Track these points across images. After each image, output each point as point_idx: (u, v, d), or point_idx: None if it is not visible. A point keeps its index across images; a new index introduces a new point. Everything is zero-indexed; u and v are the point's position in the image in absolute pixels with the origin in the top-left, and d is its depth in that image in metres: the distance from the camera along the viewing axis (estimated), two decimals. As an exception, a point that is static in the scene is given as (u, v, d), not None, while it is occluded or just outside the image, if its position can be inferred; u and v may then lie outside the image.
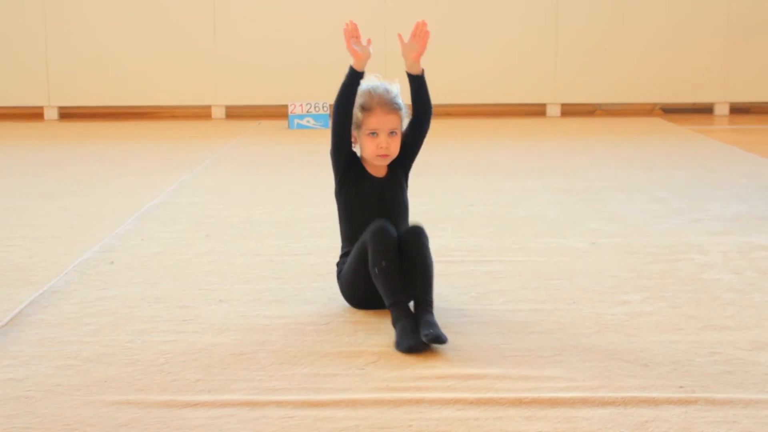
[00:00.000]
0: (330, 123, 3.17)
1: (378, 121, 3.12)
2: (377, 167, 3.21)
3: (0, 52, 9.43)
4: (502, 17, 9.40)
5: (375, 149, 3.14)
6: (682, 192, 5.27)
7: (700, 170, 6.02)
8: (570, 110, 9.63)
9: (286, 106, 8.83)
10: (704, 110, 9.65)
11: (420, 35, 3.20)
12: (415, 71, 3.20)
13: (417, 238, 3.04)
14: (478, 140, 7.77)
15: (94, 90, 9.48)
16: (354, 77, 3.14)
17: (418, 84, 3.20)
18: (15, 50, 9.44)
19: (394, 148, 3.16)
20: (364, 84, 3.17)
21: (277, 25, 9.42)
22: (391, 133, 3.14)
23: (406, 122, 3.21)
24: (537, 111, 9.66)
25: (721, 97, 9.50)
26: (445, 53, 9.37)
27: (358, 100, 3.16)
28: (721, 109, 9.52)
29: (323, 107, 8.58)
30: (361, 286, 3.12)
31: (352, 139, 3.21)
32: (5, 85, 9.51)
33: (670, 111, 9.70)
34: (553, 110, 9.55)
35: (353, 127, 3.18)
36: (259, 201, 5.11)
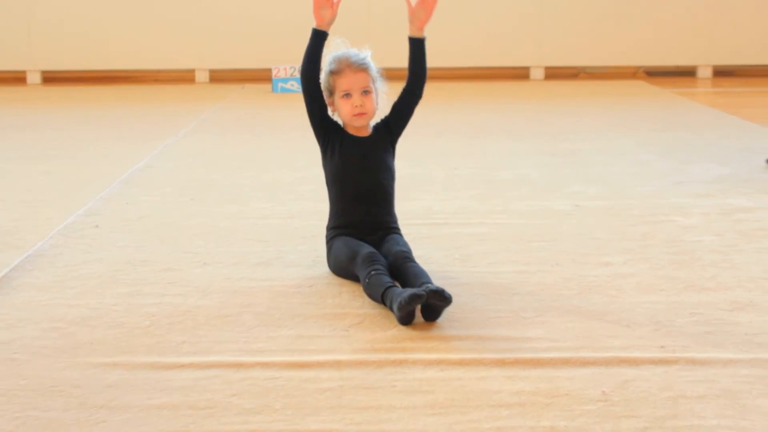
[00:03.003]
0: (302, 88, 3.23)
1: (348, 81, 3.15)
2: (359, 128, 3.22)
3: (-19, 15, 9.38)
4: (487, -20, 9.37)
5: (350, 109, 3.16)
6: (664, 154, 5.29)
7: (682, 133, 6.04)
8: (554, 73, 9.62)
9: (269, 70, 8.80)
10: (687, 73, 9.66)
11: (428, 3, 3.18)
12: (417, 36, 3.21)
13: (404, 262, 2.96)
14: (462, 103, 7.76)
15: (77, 54, 9.42)
16: (317, 38, 3.18)
17: (417, 48, 3.21)
18: (-4, 13, 9.38)
19: (369, 106, 3.18)
20: (332, 53, 3.20)
21: (261, -13, 9.37)
22: (364, 92, 3.16)
23: (380, 84, 3.22)
24: (521, 74, 9.65)
25: (704, 60, 9.51)
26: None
27: (328, 67, 3.19)
28: (705, 72, 9.53)
29: (307, 71, 8.54)
30: (350, 276, 3.10)
31: (330, 108, 3.22)
32: (-13, 49, 9.46)
33: (654, 74, 9.70)
34: (537, 73, 9.54)
35: (327, 94, 3.20)
36: (243, 165, 5.10)
